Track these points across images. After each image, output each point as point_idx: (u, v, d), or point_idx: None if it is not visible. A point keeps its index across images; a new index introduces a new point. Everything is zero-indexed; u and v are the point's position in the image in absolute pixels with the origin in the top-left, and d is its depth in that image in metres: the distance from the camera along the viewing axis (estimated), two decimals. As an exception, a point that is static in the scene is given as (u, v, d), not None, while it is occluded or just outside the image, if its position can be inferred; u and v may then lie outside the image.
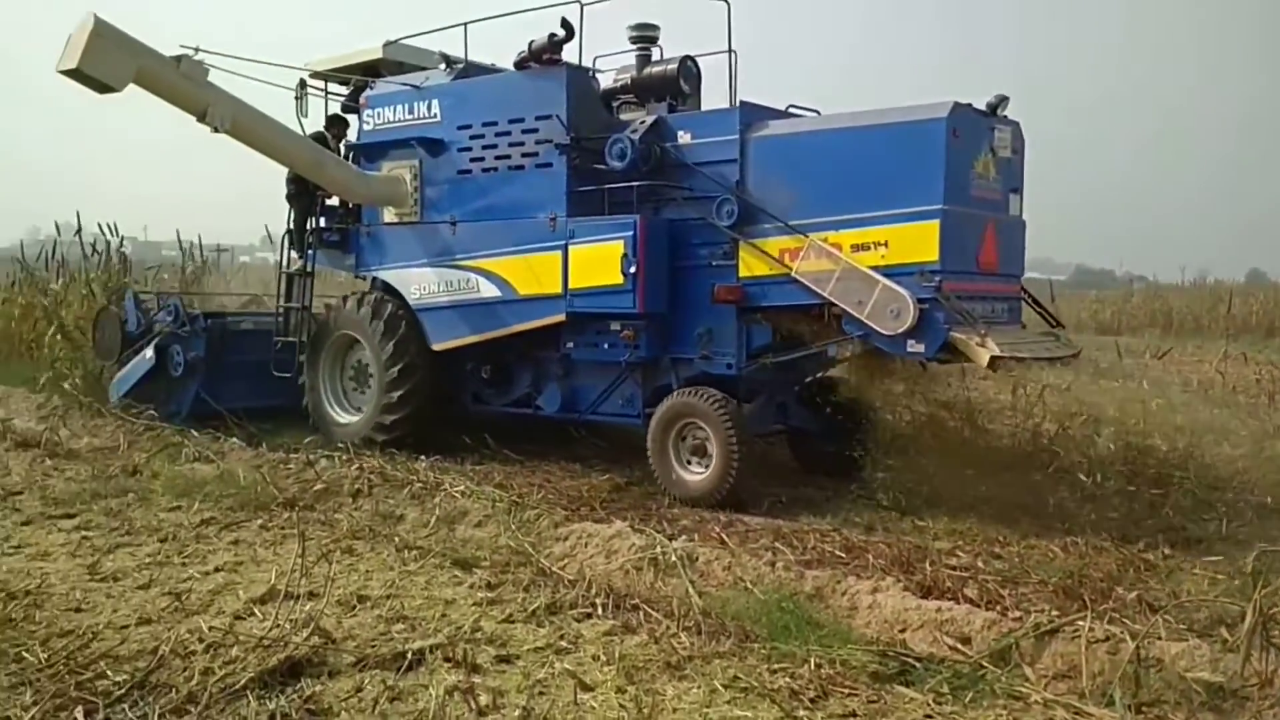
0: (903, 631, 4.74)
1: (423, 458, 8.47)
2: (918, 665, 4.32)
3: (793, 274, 7.11)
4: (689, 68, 8.27)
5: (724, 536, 6.14)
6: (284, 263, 10.03)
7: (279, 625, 4.52)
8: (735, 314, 7.52)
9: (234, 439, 8.87)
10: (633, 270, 7.49)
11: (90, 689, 3.95)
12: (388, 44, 9.59)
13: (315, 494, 7.30)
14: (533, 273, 8.20)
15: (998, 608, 4.97)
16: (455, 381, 9.17)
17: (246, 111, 8.44)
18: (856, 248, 6.88)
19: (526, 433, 9.12)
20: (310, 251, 9.79)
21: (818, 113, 7.95)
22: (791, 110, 7.97)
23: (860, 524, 6.73)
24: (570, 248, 7.88)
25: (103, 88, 7.83)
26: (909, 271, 6.69)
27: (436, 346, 8.87)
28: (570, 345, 8.26)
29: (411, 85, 9.11)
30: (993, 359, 6.40)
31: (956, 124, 6.71)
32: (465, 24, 9.04)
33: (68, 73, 7.69)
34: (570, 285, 7.90)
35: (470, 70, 9.08)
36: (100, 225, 13.91)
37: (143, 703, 3.84)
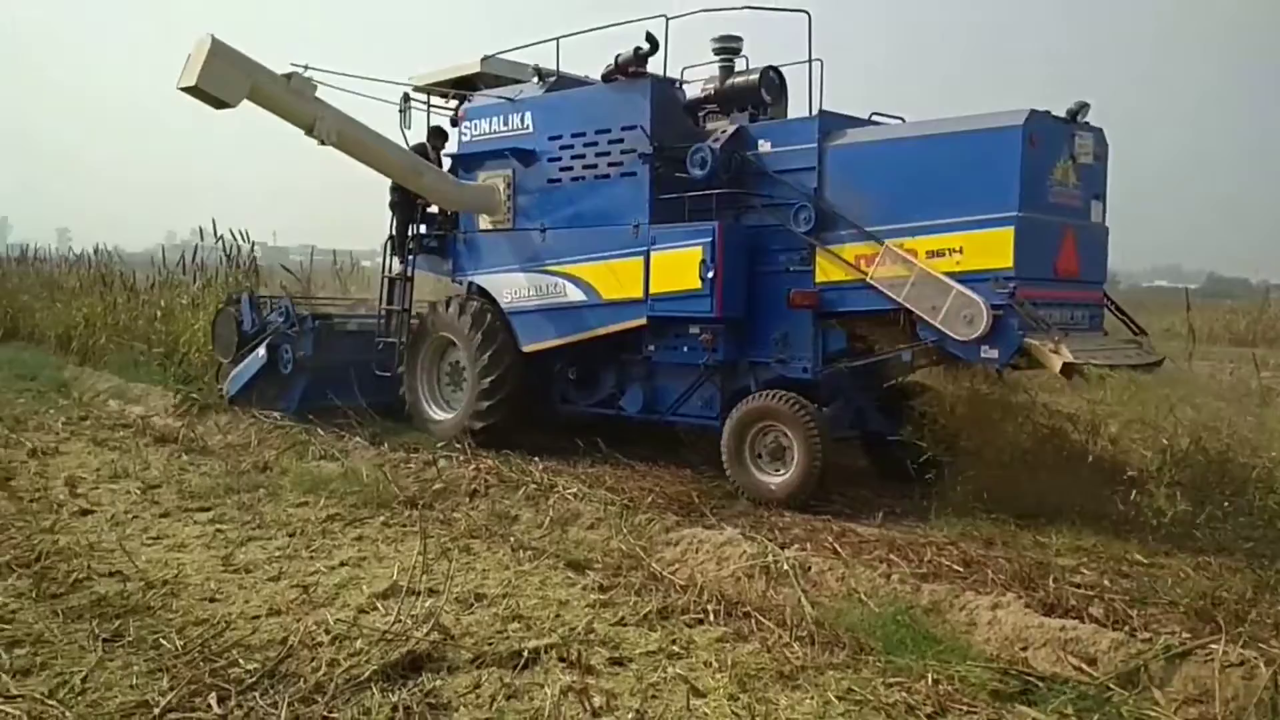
0: (1024, 650, 4.61)
1: (537, 460, 8.60)
2: (1040, 685, 4.21)
3: (868, 279, 7.17)
4: (770, 78, 8.35)
5: (837, 547, 6.06)
6: (386, 267, 10.41)
7: (401, 620, 4.66)
8: (811, 319, 7.62)
9: (358, 438, 9.15)
10: (711, 275, 7.67)
11: (223, 676, 4.14)
12: (485, 58, 9.93)
13: (434, 493, 7.49)
14: (616, 278, 8.45)
15: (1125, 628, 4.77)
16: (544, 382, 9.43)
17: (350, 124, 8.86)
18: (932, 254, 6.93)
19: (637, 437, 9.19)
20: (411, 257, 10.18)
21: (902, 120, 7.92)
22: (875, 118, 7.99)
23: (979, 538, 6.55)
24: (652, 254, 8.10)
25: (218, 103, 8.28)
26: (983, 278, 6.71)
27: (526, 348, 9.16)
28: (651, 348, 8.48)
29: (506, 98, 9.44)
30: (1066, 365, 6.36)
31: (1033, 131, 6.70)
32: (557, 39, 9.31)
33: (187, 89, 8.15)
34: (651, 290, 8.12)
35: (562, 83, 9.33)
36: (232, 231, 14.53)
37: (273, 691, 4.01)
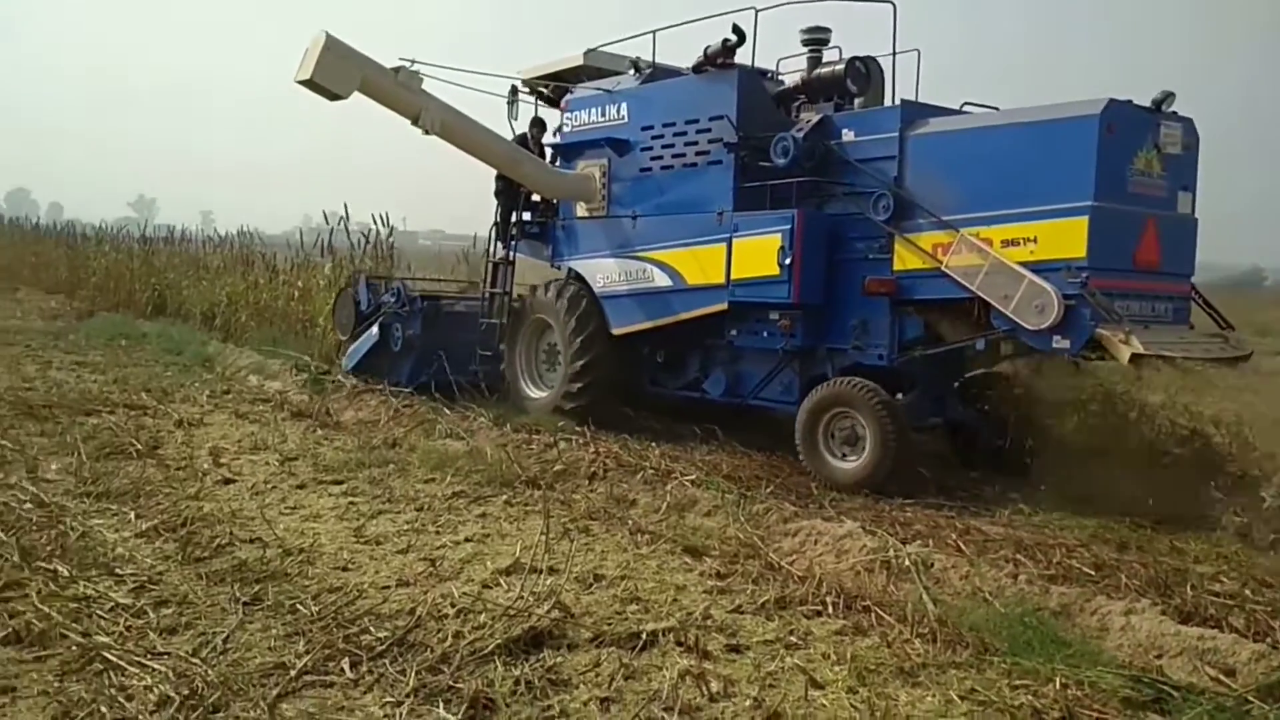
0: (1158, 658, 4.44)
1: (654, 445, 8.68)
2: (1175, 694, 4.04)
3: (943, 268, 7.26)
4: (856, 68, 8.41)
5: (961, 544, 5.94)
6: (490, 252, 10.93)
7: (523, 597, 4.77)
8: (888, 306, 7.74)
9: (482, 418, 9.38)
10: (788, 262, 7.87)
11: (355, 642, 4.30)
12: (588, 51, 10.34)
13: (554, 474, 7.61)
14: (699, 264, 8.73)
15: (1267, 640, 4.56)
16: (634, 365, 9.79)
17: (454, 115, 9.31)
18: (1006, 243, 6.98)
19: (754, 425, 9.18)
20: (513, 242, 10.64)
21: (996, 110, 7.88)
22: (966, 107, 8.03)
23: (1111, 540, 6.33)
24: (734, 240, 8.35)
25: (332, 95, 8.82)
26: (1057, 267, 6.74)
27: (616, 331, 9.53)
28: (734, 333, 8.74)
29: (603, 90, 9.81)
30: (1134, 356, 6.38)
31: (1111, 120, 6.69)
32: (654, 32, 9.68)
33: (303, 83, 8.71)
34: (732, 276, 8.37)
35: (658, 74, 9.63)
36: (373, 216, 15.04)
37: (401, 659, 4.15)
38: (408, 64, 9.12)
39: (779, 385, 8.63)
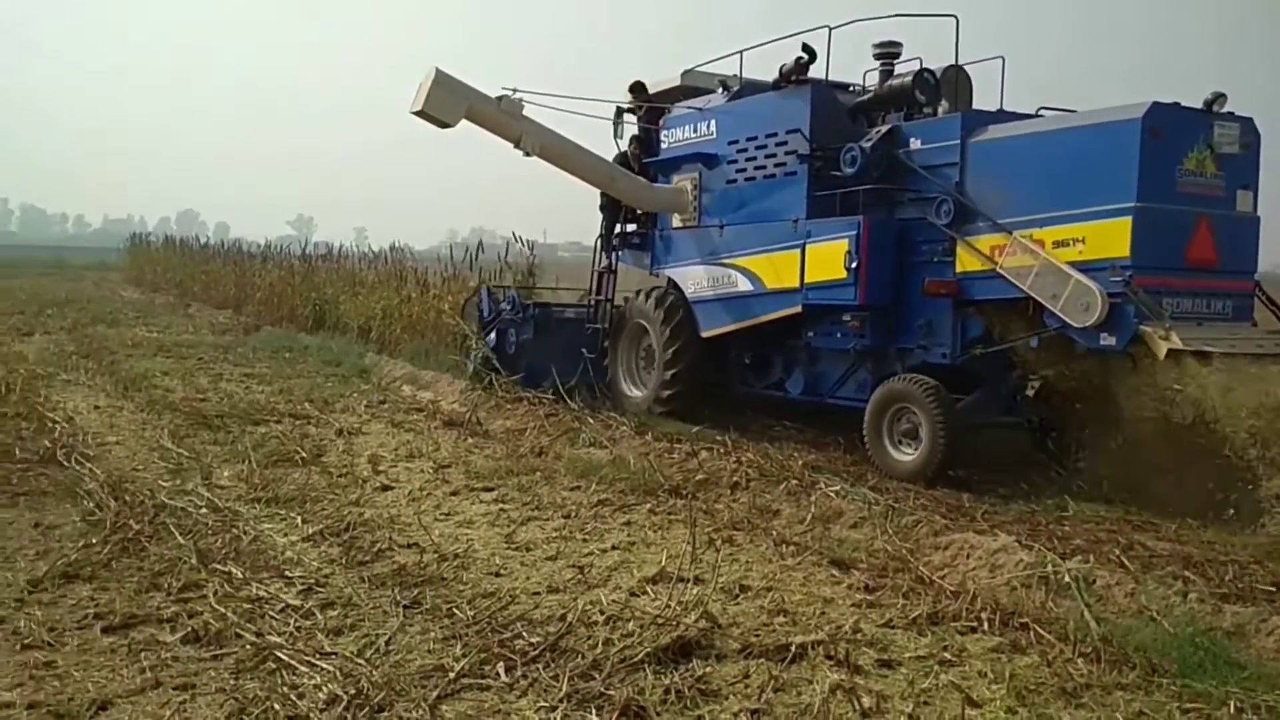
0: (1345, 684, 4.15)
1: (797, 454, 8.61)
2: (1366, 725, 3.77)
3: (998, 269, 7.59)
4: (925, 79, 8.75)
5: (1124, 560, 5.66)
6: (595, 261, 11.73)
7: (670, 606, 4.80)
8: (951, 307, 8.11)
9: (624, 426, 9.50)
10: (855, 266, 8.33)
11: (509, 647, 4.41)
12: (685, 72, 11.03)
13: (697, 483, 7.64)
14: (776, 269, 9.26)
15: None
16: (724, 366, 10.45)
17: (552, 137, 10.13)
18: (1057, 244, 7.26)
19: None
20: (615, 252, 11.51)
21: (1073, 112, 8.00)
22: (1042, 112, 8.34)
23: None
24: (807, 246, 8.85)
25: (441, 124, 9.61)
26: (1103, 267, 6.99)
27: (705, 334, 10.19)
28: (811, 334, 9.27)
29: (696, 108, 10.50)
30: (1171, 351, 6.55)
31: (1156, 123, 6.91)
32: (740, 51, 10.20)
33: (416, 113, 9.54)
34: (806, 279, 8.87)
35: (747, 90, 10.10)
36: (514, 234, 15.42)
37: (554, 665, 4.24)
38: (510, 93, 9.88)
39: (854, 384, 9.09)
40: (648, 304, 10.70)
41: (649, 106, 11.27)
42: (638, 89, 11.44)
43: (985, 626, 4.80)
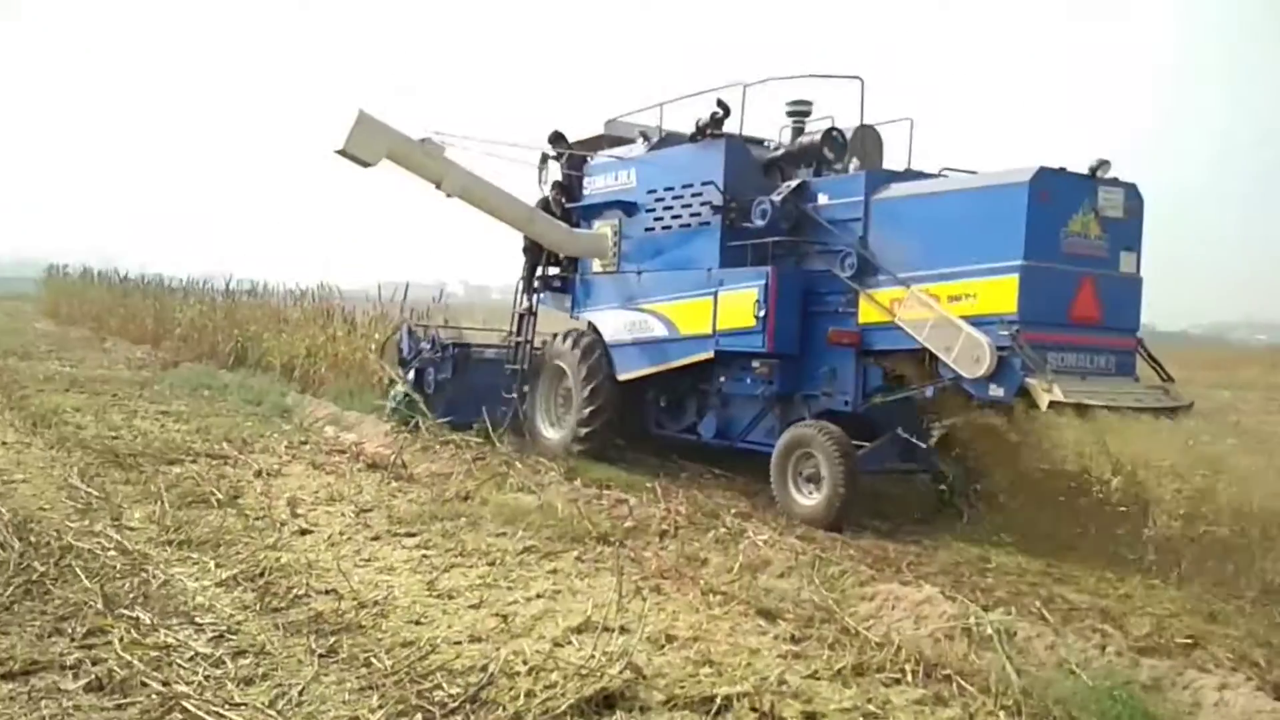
0: (1257, 738, 4.23)
1: (725, 501, 8.60)
2: (1278, 780, 3.84)
3: (896, 320, 7.95)
4: (833, 137, 9.24)
5: (1045, 612, 5.73)
6: (516, 303, 11.89)
7: (595, 656, 4.72)
8: (854, 356, 8.47)
9: (553, 472, 9.41)
10: (763, 314, 8.70)
11: (428, 699, 4.28)
12: (608, 122, 11.37)
13: (625, 530, 7.57)
14: (690, 315, 9.61)
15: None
16: (639, 409, 10.71)
17: (473, 180, 10.34)
18: (952, 298, 7.64)
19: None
20: (537, 295, 11.73)
21: (974, 173, 8.44)
22: (944, 172, 8.72)
23: (1202, 612, 6.08)
24: (719, 294, 9.24)
25: (363, 163, 9.79)
26: (992, 321, 7.34)
27: (621, 377, 10.43)
28: (722, 380, 9.62)
29: (617, 157, 10.87)
30: (1053, 402, 6.90)
31: (1043, 187, 7.33)
32: (661, 104, 10.57)
33: (338, 152, 9.68)
34: (718, 326, 9.24)
35: (667, 141, 10.48)
36: (437, 281, 15.43)
37: (475, 717, 4.13)
38: (432, 136, 10.14)
39: (763, 429, 9.36)
40: (565, 345, 10.94)
41: (571, 154, 11.50)
42: (556, 138, 11.73)
43: (909, 678, 4.81)
